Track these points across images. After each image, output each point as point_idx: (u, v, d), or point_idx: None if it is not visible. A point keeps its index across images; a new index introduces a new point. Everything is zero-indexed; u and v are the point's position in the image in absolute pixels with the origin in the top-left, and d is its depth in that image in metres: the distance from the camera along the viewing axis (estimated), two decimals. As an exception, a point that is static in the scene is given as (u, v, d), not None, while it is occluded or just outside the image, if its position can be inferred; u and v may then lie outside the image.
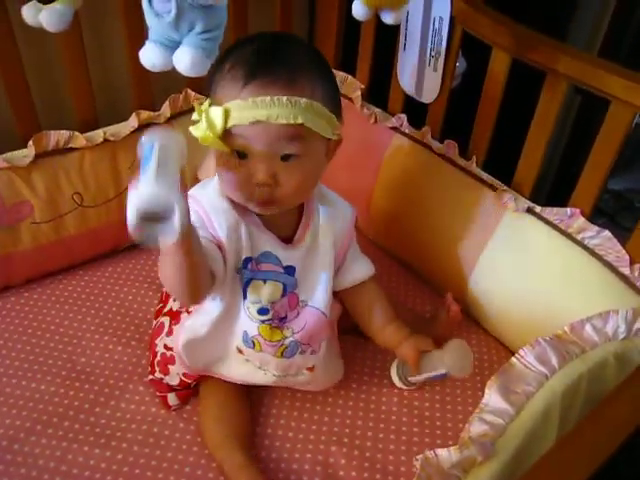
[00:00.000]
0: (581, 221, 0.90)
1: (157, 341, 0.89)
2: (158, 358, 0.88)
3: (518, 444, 0.65)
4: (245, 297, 0.78)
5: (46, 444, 0.82)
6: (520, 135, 0.98)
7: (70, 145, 1.03)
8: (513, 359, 0.72)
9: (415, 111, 1.14)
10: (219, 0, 0.66)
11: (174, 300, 0.91)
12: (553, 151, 1.61)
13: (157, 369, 0.88)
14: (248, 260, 0.76)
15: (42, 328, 1.00)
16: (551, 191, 1.61)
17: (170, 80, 0.91)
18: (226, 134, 0.67)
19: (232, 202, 0.75)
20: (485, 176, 1.02)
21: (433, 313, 1.02)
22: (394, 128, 1.15)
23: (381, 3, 0.83)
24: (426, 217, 1.08)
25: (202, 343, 0.82)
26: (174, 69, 0.75)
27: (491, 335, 1.05)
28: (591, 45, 1.48)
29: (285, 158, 0.69)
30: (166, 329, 0.88)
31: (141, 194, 0.54)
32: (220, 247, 0.74)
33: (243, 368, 0.83)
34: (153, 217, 0.55)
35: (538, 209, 0.95)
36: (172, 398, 0.88)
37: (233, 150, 0.68)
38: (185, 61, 0.72)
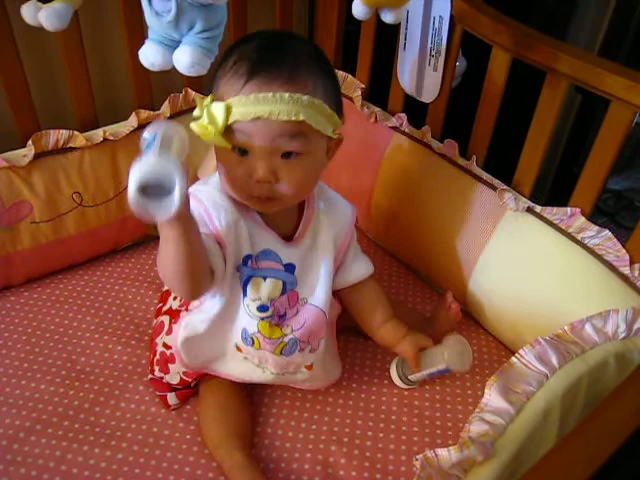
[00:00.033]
0: (581, 221, 0.90)
1: (157, 340, 0.89)
2: (158, 357, 0.88)
3: (518, 444, 0.65)
4: (245, 294, 0.77)
5: (46, 444, 0.82)
6: (520, 135, 0.98)
7: (70, 144, 1.02)
8: (513, 359, 0.72)
9: (415, 110, 1.14)
10: (219, -1, 0.66)
11: (174, 298, 0.91)
12: (553, 151, 1.61)
13: (157, 368, 0.88)
14: (248, 257, 0.76)
15: (42, 328, 1.00)
16: (551, 191, 1.62)
17: (170, 79, 0.91)
18: (227, 130, 0.67)
19: (233, 199, 0.75)
20: (485, 176, 1.02)
21: (433, 312, 1.02)
22: (394, 127, 1.15)
23: (381, 2, 0.83)
24: (426, 216, 1.08)
25: (201, 340, 0.81)
26: (174, 68, 0.75)
27: (491, 335, 1.05)
28: (591, 45, 1.48)
29: (286, 155, 0.69)
30: (166, 328, 0.88)
31: (142, 165, 0.55)
32: (220, 244, 0.74)
33: (242, 366, 0.83)
34: (154, 189, 0.55)
35: (538, 209, 0.95)
36: (172, 398, 0.88)
37: (234, 146, 0.68)
38: (185, 60, 0.72)
